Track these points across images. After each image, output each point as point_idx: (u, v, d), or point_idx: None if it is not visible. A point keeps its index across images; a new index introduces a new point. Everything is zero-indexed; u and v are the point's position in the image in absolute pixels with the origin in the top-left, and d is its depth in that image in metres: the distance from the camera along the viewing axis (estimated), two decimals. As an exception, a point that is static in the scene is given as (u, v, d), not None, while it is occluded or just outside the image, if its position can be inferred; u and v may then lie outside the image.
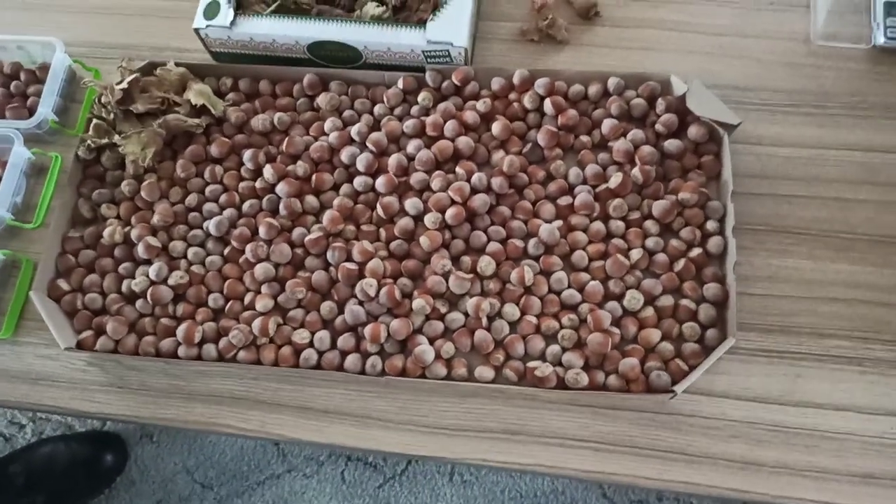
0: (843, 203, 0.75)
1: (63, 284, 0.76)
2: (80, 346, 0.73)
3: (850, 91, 0.80)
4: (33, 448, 1.21)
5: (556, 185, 0.75)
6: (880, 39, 0.80)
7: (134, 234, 0.76)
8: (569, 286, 0.71)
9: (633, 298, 0.70)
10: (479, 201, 0.73)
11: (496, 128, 0.77)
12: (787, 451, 0.66)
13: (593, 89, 0.78)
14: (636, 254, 0.71)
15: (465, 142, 0.76)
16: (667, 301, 0.70)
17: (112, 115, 0.80)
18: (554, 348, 0.69)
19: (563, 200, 0.75)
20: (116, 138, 0.79)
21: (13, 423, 1.31)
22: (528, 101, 0.78)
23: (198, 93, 0.80)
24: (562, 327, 0.70)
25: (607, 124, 0.76)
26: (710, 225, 0.72)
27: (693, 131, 0.74)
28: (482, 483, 1.19)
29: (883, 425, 0.66)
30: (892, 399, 0.67)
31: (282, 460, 1.23)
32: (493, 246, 0.73)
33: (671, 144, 0.74)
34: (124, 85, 0.78)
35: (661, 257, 0.72)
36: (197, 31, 0.82)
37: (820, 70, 0.81)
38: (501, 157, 0.76)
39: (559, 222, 0.73)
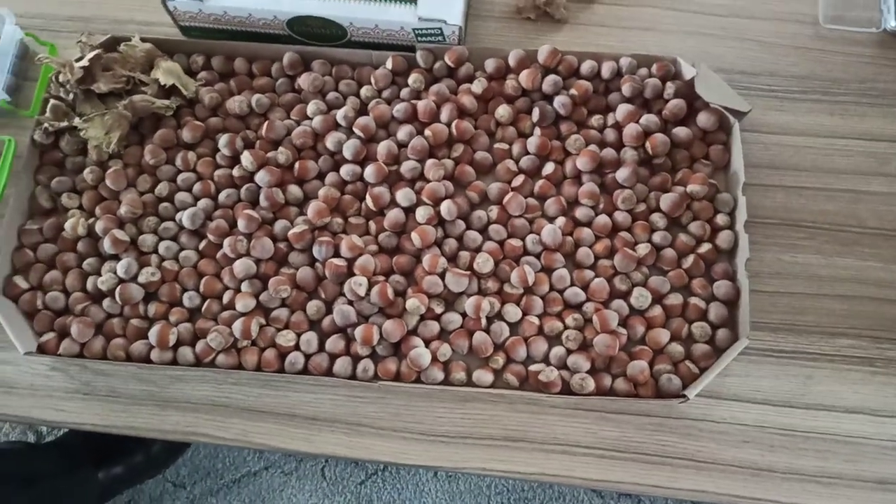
0: (852, 195, 0.72)
1: (20, 282, 0.69)
2: (41, 349, 0.67)
3: (859, 77, 0.77)
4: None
5: (570, 163, 0.71)
6: (891, 23, 0.76)
7: (99, 226, 0.69)
8: (572, 284, 0.67)
9: (641, 296, 0.66)
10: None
11: (502, 111, 0.72)
12: (799, 457, 0.64)
13: (607, 67, 0.73)
14: (643, 249, 0.68)
15: (464, 127, 0.71)
16: (675, 299, 0.66)
17: (71, 96, 0.72)
18: (558, 350, 0.65)
19: (569, 187, 0.70)
20: (77, 121, 0.71)
21: (-32, 421, 1.24)
22: (525, 79, 0.73)
23: (166, 71, 0.73)
24: (566, 328, 0.66)
25: (622, 109, 0.71)
26: (721, 219, 0.68)
27: (702, 119, 0.70)
28: (467, 478, 1.16)
29: (896, 428, 0.64)
30: (906, 401, 0.65)
31: (259, 457, 1.18)
32: (490, 245, 0.68)
33: (680, 132, 0.70)
34: (85, 62, 0.71)
35: (669, 253, 0.68)
36: (164, 2, 0.74)
37: (828, 55, 0.78)
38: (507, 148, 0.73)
39: (562, 220, 0.69)
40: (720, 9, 0.80)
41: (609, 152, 0.70)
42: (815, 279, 0.69)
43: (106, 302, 0.68)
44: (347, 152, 0.71)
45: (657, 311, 0.66)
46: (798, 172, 0.73)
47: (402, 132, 0.72)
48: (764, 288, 0.69)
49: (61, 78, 0.72)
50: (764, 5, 0.80)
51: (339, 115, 0.72)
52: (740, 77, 0.77)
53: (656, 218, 0.69)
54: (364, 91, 0.75)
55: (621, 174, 0.69)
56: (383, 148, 0.71)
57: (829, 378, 0.66)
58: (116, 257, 0.69)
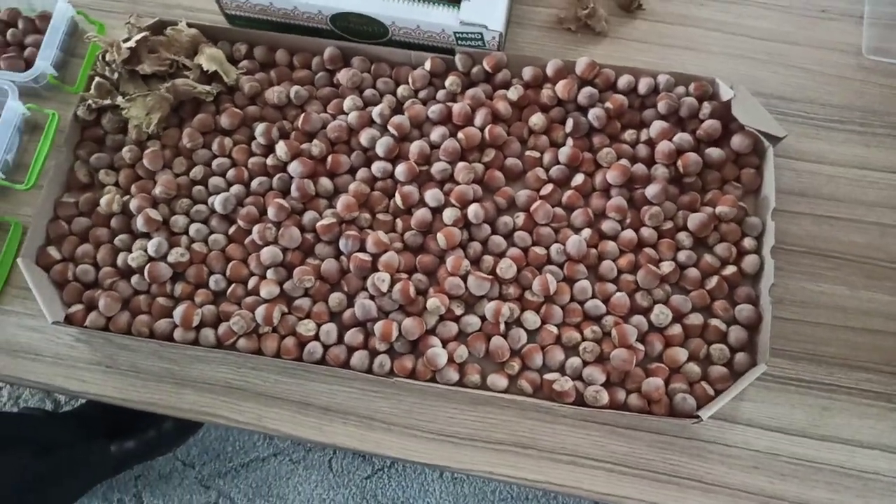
0: (883, 229, 0.72)
1: (54, 252, 0.71)
2: (68, 320, 0.68)
3: (899, 111, 0.76)
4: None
5: (600, 175, 0.71)
6: (935, 58, 0.76)
7: (133, 204, 0.71)
8: (593, 296, 0.68)
9: (661, 314, 0.66)
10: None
11: (536, 119, 0.73)
12: (809, 488, 0.63)
13: (644, 83, 0.73)
14: (667, 266, 0.67)
15: (497, 132, 0.72)
16: (696, 319, 0.66)
17: (116, 75, 0.74)
18: (574, 361, 0.65)
19: (597, 200, 0.71)
20: (119, 100, 0.73)
21: (-10, 384, 1.27)
22: (561, 89, 0.73)
23: (210, 58, 0.75)
24: (584, 339, 0.66)
25: (656, 126, 0.71)
26: (748, 242, 0.68)
27: (737, 141, 0.70)
28: (472, 482, 1.16)
29: (911, 467, 0.63)
30: (923, 440, 0.64)
31: (268, 443, 1.20)
32: (514, 251, 0.69)
33: (713, 153, 0.70)
34: (132, 43, 0.72)
35: (693, 272, 0.68)
36: (213, -10, 0.76)
37: (869, 86, 0.77)
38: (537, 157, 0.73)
39: (588, 231, 0.69)
40: (764, 33, 0.80)
41: (640, 168, 0.70)
42: (840, 310, 0.69)
43: (134, 278, 0.69)
44: (380, 149, 0.72)
45: (677, 329, 0.66)
46: (829, 202, 0.72)
47: (436, 133, 0.73)
48: (786, 315, 0.68)
49: (108, 57, 0.74)
50: (808, 33, 0.80)
51: (375, 112, 0.73)
52: (778, 102, 0.77)
53: (682, 237, 0.69)
54: (401, 90, 0.76)
55: (650, 190, 0.69)
56: (416, 147, 0.72)
57: (846, 411, 0.66)
58: (148, 236, 0.71)
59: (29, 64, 0.78)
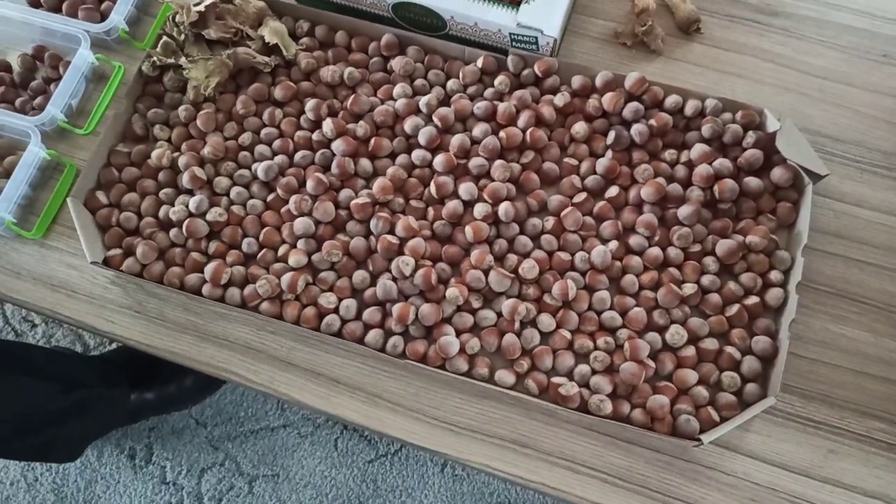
0: (917, 281, 0.70)
1: (101, 197, 0.74)
2: (106, 262, 0.72)
3: (950, 165, 0.75)
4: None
5: (635, 190, 0.72)
6: None
7: (182, 161, 0.74)
8: (611, 307, 0.68)
9: (677, 334, 0.66)
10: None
11: (578, 127, 0.74)
12: (805, 528, 0.63)
13: (691, 105, 0.73)
14: (689, 288, 0.68)
15: (539, 136, 0.73)
16: (711, 344, 0.66)
17: (183, 37, 0.77)
18: (583, 368, 0.66)
19: (628, 214, 0.71)
20: (183, 61, 0.76)
21: (27, 320, 1.32)
22: (607, 101, 0.74)
23: (273, 31, 0.78)
24: (596, 348, 0.66)
25: (697, 149, 0.71)
26: (774, 275, 0.68)
27: (777, 173, 0.70)
28: (472, 481, 1.17)
29: (913, 523, 0.62)
30: (929, 498, 0.63)
31: (279, 414, 1.22)
32: (539, 253, 0.70)
33: (751, 182, 0.70)
34: (201, 8, 0.76)
35: (715, 298, 0.68)
36: (284, -33, 0.79)
37: (922, 136, 0.76)
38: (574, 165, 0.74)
39: (614, 244, 0.69)
40: (820, 70, 0.79)
41: (675, 188, 0.71)
42: (860, 356, 0.68)
43: (173, 231, 0.72)
44: (422, 138, 0.74)
45: (690, 351, 0.66)
46: (864, 247, 0.71)
47: (478, 129, 0.74)
48: (804, 353, 0.68)
49: (177, 18, 0.77)
50: (865, 76, 0.79)
51: (423, 101, 0.75)
52: (825, 141, 0.76)
53: (709, 261, 0.69)
54: (450, 84, 0.77)
55: (683, 211, 0.69)
56: (457, 140, 0.73)
57: (852, 457, 0.65)
58: (191, 192, 0.74)
59: (104, 17, 0.82)
